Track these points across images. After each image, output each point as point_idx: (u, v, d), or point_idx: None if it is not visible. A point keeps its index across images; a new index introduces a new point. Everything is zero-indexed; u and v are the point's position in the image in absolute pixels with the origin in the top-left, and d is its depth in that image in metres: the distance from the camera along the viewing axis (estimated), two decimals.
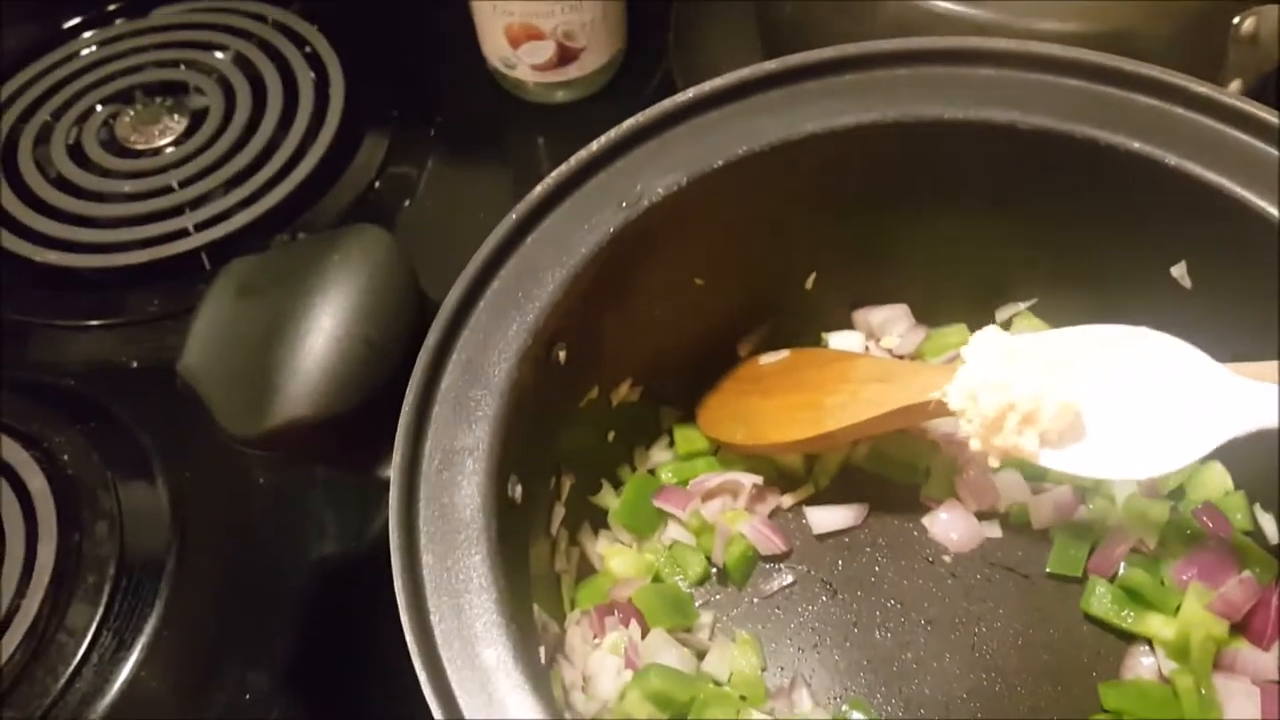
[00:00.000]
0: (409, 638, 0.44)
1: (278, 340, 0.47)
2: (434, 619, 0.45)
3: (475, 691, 0.43)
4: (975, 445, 0.53)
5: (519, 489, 0.52)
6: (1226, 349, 0.53)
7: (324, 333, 0.47)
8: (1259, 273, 0.54)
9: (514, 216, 0.54)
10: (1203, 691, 0.57)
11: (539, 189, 0.55)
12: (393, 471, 0.47)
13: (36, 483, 0.69)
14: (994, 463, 0.53)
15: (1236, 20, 0.66)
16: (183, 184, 0.85)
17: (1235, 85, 0.69)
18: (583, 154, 0.56)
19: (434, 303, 0.53)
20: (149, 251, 0.81)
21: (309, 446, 0.49)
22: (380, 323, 0.48)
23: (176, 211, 0.83)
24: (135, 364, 0.79)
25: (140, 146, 0.88)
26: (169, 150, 0.88)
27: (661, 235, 0.57)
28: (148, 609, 0.67)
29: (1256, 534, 0.61)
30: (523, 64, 0.86)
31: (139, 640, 0.66)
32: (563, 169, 0.56)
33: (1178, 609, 0.59)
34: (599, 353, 0.59)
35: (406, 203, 0.86)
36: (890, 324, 0.69)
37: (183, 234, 0.82)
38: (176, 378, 0.49)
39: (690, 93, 0.58)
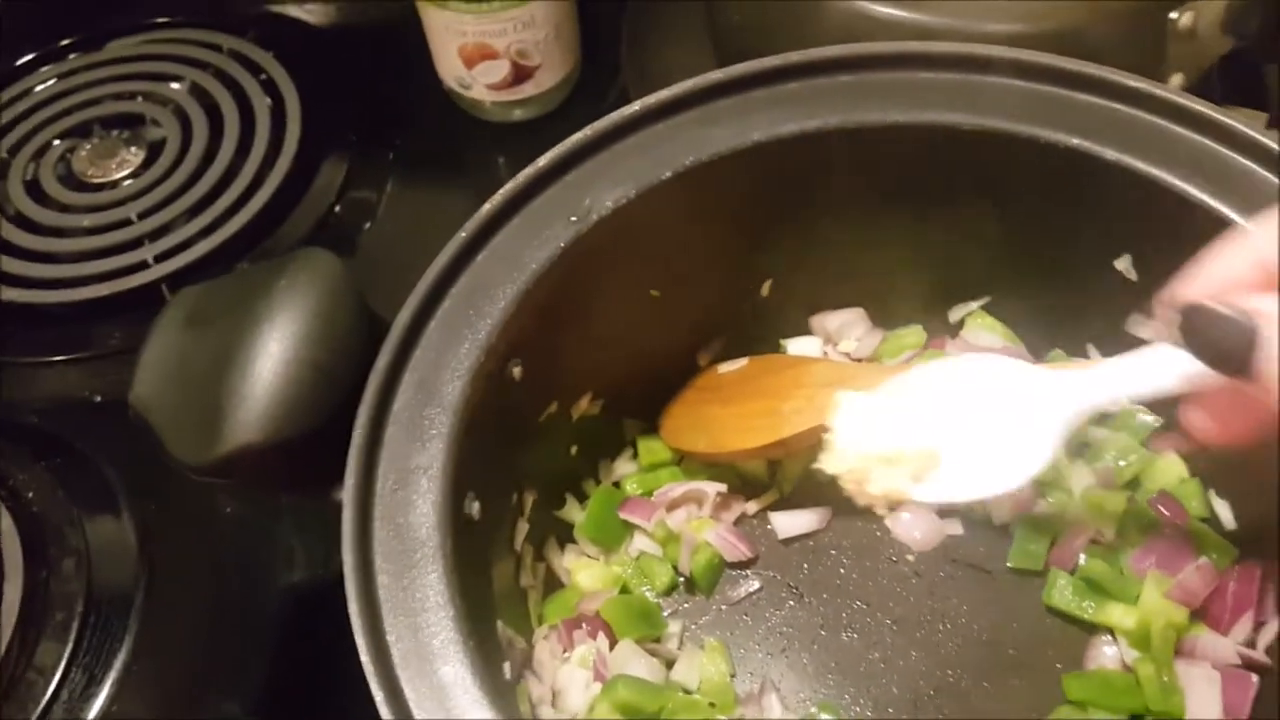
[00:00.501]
0: (364, 657, 0.44)
1: (226, 367, 0.47)
2: (390, 638, 0.45)
3: (433, 709, 0.43)
4: (861, 502, 0.55)
5: (476, 505, 0.52)
6: None
7: (272, 358, 0.47)
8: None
9: (463, 234, 0.54)
10: (1165, 679, 0.57)
11: (487, 206, 0.56)
12: (345, 492, 0.47)
13: (2, 521, 0.68)
14: (881, 511, 0.54)
15: (1174, 15, 0.67)
16: (141, 216, 0.85)
17: (1177, 79, 0.70)
18: (530, 170, 0.57)
19: (387, 325, 0.53)
20: (109, 285, 0.81)
21: (261, 472, 0.49)
22: (328, 346, 0.48)
23: (136, 244, 0.83)
24: (99, 398, 0.79)
25: (98, 180, 0.88)
26: (127, 183, 0.88)
27: (613, 248, 0.58)
28: (117, 644, 0.67)
29: (1213, 520, 0.62)
30: (478, 84, 0.86)
31: (109, 676, 0.65)
32: (511, 185, 0.56)
33: (1138, 598, 0.59)
34: (556, 368, 0.60)
35: (367, 225, 0.87)
36: (847, 328, 0.69)
37: (142, 266, 0.82)
38: (129, 409, 0.49)
39: (637, 105, 0.59)
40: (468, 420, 0.51)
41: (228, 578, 0.71)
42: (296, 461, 0.49)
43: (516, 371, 0.56)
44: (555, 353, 0.59)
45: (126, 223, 0.85)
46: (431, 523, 0.48)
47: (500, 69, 0.85)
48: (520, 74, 0.86)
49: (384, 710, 0.43)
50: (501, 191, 0.56)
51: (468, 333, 0.53)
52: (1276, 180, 0.53)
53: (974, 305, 0.68)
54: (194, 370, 0.48)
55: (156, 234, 0.84)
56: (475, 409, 0.52)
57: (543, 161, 0.57)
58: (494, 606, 0.55)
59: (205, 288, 0.52)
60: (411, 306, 0.52)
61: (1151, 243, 0.57)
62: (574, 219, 0.56)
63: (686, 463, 0.67)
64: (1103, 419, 0.66)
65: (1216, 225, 0.53)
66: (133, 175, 0.88)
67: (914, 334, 0.69)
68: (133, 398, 0.49)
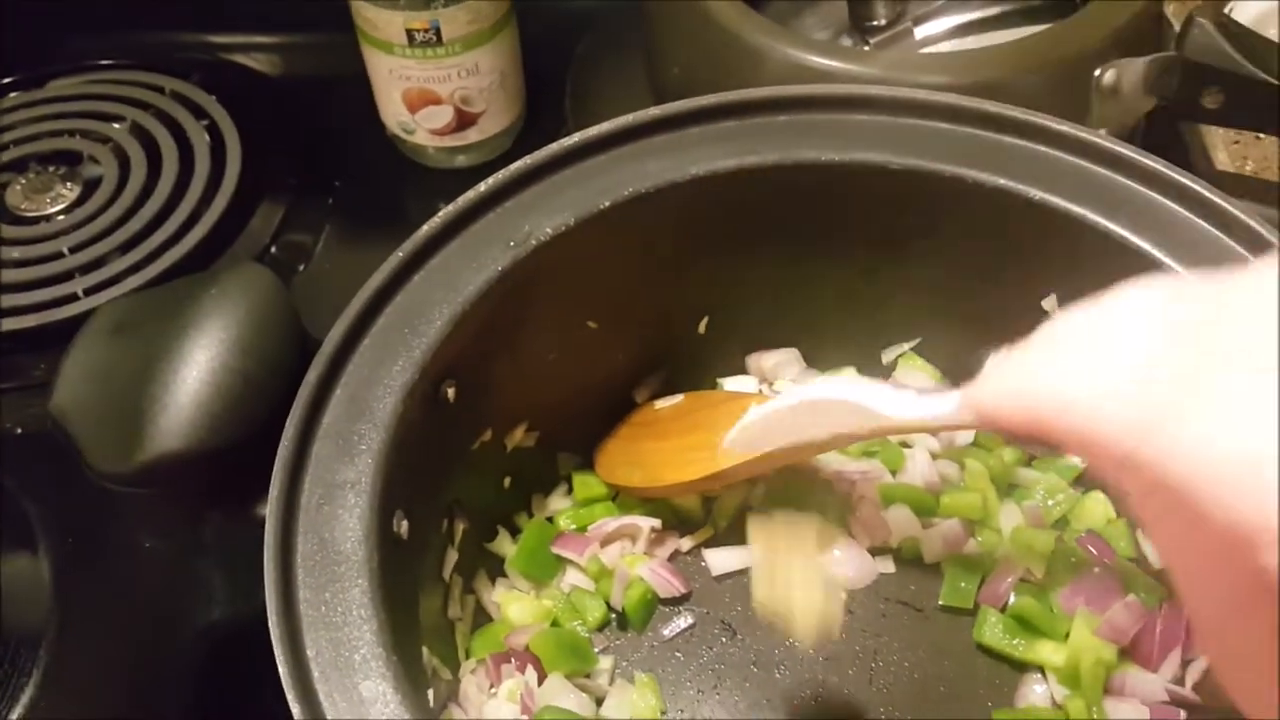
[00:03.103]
0: (282, 670, 0.43)
1: (150, 375, 0.46)
2: (310, 653, 0.44)
3: None
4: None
5: (405, 525, 0.51)
6: None
7: (198, 366, 0.46)
8: None
9: (400, 254, 0.54)
10: (1094, 715, 0.57)
11: (425, 228, 0.56)
12: (269, 504, 0.46)
13: None
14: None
15: (1098, 73, 0.70)
16: (73, 249, 0.84)
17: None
18: (471, 194, 0.57)
19: (318, 343, 0.52)
20: (36, 316, 0.79)
21: (183, 484, 0.47)
22: (257, 356, 0.48)
23: (66, 277, 0.82)
24: (19, 430, 0.76)
25: (31, 214, 0.87)
26: (60, 217, 0.86)
27: (551, 276, 0.58)
28: (24, 679, 0.64)
29: (1140, 559, 0.63)
30: (421, 129, 0.87)
31: (13, 713, 0.63)
32: (450, 209, 0.57)
33: (1067, 635, 0.60)
34: (491, 394, 0.59)
35: (302, 267, 0.86)
36: (782, 368, 0.70)
37: (72, 299, 0.80)
38: (48, 418, 0.48)
39: (576, 136, 0.59)
40: (399, 437, 0.50)
41: (146, 616, 0.69)
42: (220, 474, 0.48)
43: (450, 393, 0.55)
44: (491, 377, 0.58)
45: (57, 256, 0.83)
46: (357, 537, 0.47)
47: (444, 115, 0.86)
48: (464, 120, 0.87)
49: None
50: (441, 214, 0.56)
51: (402, 350, 0.52)
52: (1197, 219, 0.55)
53: (905, 347, 0.69)
54: (117, 378, 0.47)
55: (88, 268, 0.82)
56: (407, 427, 0.51)
57: (483, 187, 0.58)
58: (420, 632, 0.54)
59: (134, 298, 0.51)
60: (345, 322, 0.52)
61: (1076, 281, 0.58)
62: (513, 244, 0.56)
63: (622, 498, 0.67)
64: (1031, 460, 0.67)
65: (1138, 261, 0.55)
66: (66, 210, 0.87)
67: (846, 375, 0.70)
68: (52, 406, 0.48)
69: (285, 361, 0.49)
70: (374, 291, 0.53)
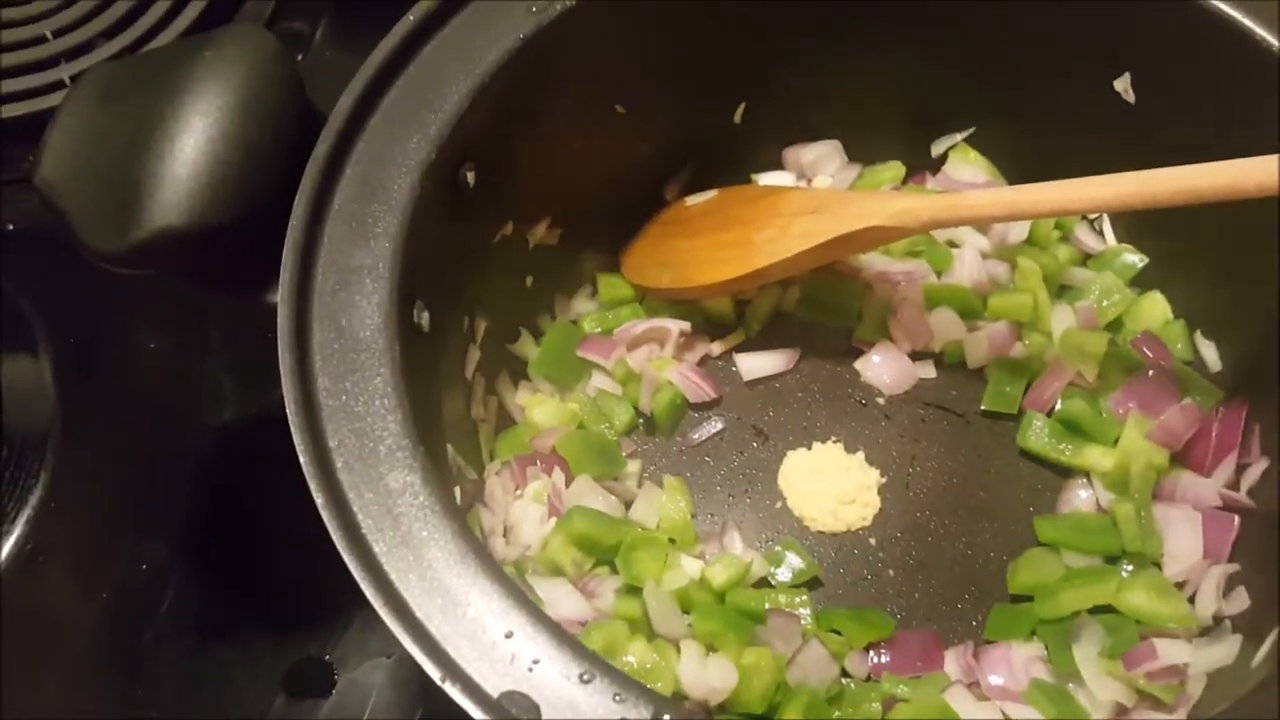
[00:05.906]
0: (303, 461, 0.40)
1: (145, 145, 0.42)
2: (332, 443, 0.41)
3: (380, 515, 0.40)
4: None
5: (426, 316, 0.48)
6: (1171, 160, 0.50)
7: (195, 134, 0.42)
8: (1202, 75, 0.51)
9: (411, 18, 0.49)
10: (1143, 519, 0.55)
11: None
12: (281, 289, 0.43)
13: None
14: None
15: None
16: (56, 34, 0.78)
17: None
18: None
19: (323, 116, 0.48)
20: (22, 105, 0.75)
21: (185, 264, 0.44)
22: (259, 124, 0.43)
23: (52, 63, 0.77)
24: (11, 226, 0.73)
25: None
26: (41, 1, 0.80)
27: (576, 49, 0.53)
28: (32, 480, 0.63)
29: (1197, 362, 0.60)
30: None
31: (23, 513, 0.62)
32: None
33: (1117, 440, 0.57)
34: (513, 182, 0.55)
35: (300, 58, 0.80)
36: (822, 162, 0.65)
37: (58, 86, 0.75)
38: (36, 192, 0.44)
39: None
40: (417, 221, 0.46)
41: (152, 415, 0.67)
42: (224, 255, 0.44)
43: (470, 177, 0.51)
44: (512, 162, 0.54)
45: (41, 40, 0.78)
46: (376, 325, 0.44)
47: None
48: None
49: (328, 518, 0.39)
50: None
51: (416, 126, 0.48)
52: None
53: (958, 137, 0.64)
54: (109, 148, 0.43)
55: (73, 53, 0.77)
56: (425, 211, 0.47)
57: None
58: (444, 430, 0.51)
59: (124, 62, 0.46)
60: (354, 92, 0.47)
61: (1155, 59, 0.54)
62: (535, 10, 0.51)
63: (649, 301, 0.63)
64: (1087, 258, 0.63)
65: (1228, 35, 0.49)
66: None
67: (892, 169, 0.65)
68: (38, 179, 0.43)
69: (289, 131, 0.45)
70: (384, 59, 0.48)
